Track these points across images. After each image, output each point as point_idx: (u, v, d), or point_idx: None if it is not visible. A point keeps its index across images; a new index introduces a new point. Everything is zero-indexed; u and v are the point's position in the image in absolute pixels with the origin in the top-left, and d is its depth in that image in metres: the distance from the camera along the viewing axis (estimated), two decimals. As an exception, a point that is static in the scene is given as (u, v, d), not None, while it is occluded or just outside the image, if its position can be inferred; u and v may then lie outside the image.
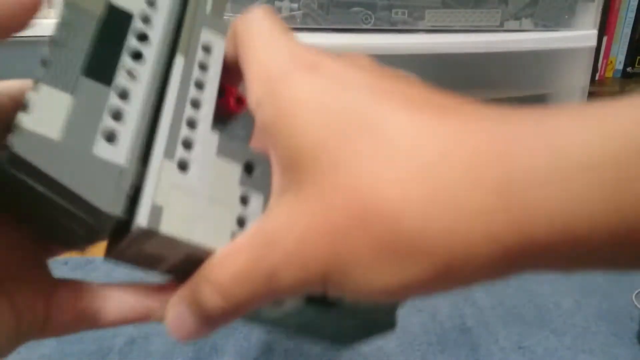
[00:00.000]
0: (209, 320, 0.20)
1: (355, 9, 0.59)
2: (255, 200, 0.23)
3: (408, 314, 0.49)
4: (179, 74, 0.23)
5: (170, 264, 0.21)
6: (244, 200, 0.22)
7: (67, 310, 0.22)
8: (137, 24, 0.23)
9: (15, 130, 0.19)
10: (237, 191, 0.22)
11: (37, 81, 0.21)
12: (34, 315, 0.21)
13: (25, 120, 0.19)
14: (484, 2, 0.60)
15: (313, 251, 0.17)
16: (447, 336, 0.47)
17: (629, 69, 0.94)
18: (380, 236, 0.16)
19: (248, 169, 0.23)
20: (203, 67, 0.24)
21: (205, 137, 0.23)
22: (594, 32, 0.62)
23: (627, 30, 0.92)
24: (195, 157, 0.22)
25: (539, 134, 0.16)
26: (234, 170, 0.23)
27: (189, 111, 0.23)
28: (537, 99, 0.67)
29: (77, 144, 0.20)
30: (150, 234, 0.20)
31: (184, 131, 0.22)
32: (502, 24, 0.61)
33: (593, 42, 0.63)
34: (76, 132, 0.20)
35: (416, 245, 0.16)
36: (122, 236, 0.20)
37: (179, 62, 0.24)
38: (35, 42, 0.62)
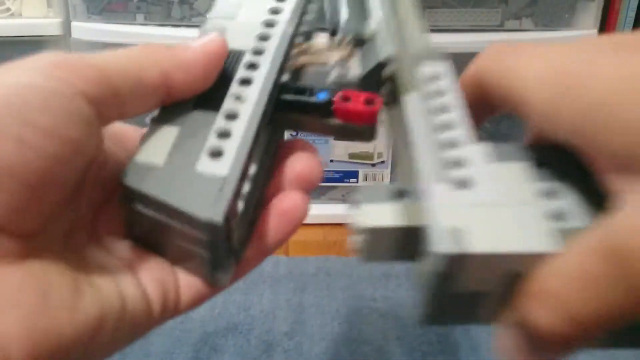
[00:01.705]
0: (550, 348, 0.16)
1: (355, 8, 0.59)
2: (566, 191, 0.20)
3: (409, 314, 0.49)
4: (415, 106, 0.22)
5: (494, 300, 0.18)
6: (552, 194, 0.20)
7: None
8: (247, 58, 0.24)
9: (126, 166, 0.21)
10: (537, 187, 0.20)
11: (151, 122, 0.23)
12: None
13: (135, 156, 0.21)
14: (484, 1, 0.60)
15: None
16: (447, 336, 0.47)
17: (629, 69, 0.94)
18: None
19: (540, 163, 0.21)
20: (439, 93, 0.23)
21: (474, 150, 0.21)
22: (594, 32, 0.62)
23: (628, 30, 0.92)
24: (473, 172, 0.20)
25: None
26: (523, 169, 0.20)
27: (443, 135, 0.21)
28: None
29: (179, 165, 0.21)
30: (459, 260, 0.17)
31: (447, 153, 0.21)
32: (502, 24, 0.61)
33: (593, 42, 0.62)
34: (179, 155, 0.21)
35: None
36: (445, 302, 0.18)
37: (410, 98, 0.23)
38: (37, 41, 0.62)
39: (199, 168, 0.21)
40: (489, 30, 0.61)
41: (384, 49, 0.26)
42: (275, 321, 0.47)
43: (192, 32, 0.59)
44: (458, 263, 0.17)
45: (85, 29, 0.59)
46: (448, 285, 0.18)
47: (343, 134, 0.24)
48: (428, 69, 0.24)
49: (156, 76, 0.20)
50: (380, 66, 0.25)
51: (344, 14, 0.28)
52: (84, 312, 0.18)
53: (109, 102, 0.19)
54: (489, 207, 0.19)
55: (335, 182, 0.66)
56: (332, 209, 0.65)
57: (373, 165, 0.65)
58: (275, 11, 0.26)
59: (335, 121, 0.24)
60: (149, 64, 0.20)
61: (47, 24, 0.60)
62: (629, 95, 0.15)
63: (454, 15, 0.60)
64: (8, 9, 0.60)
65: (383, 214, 0.20)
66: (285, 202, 0.22)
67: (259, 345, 0.44)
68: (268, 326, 0.46)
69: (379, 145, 0.64)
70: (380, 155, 0.65)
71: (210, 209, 0.20)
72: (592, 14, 0.62)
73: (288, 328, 0.46)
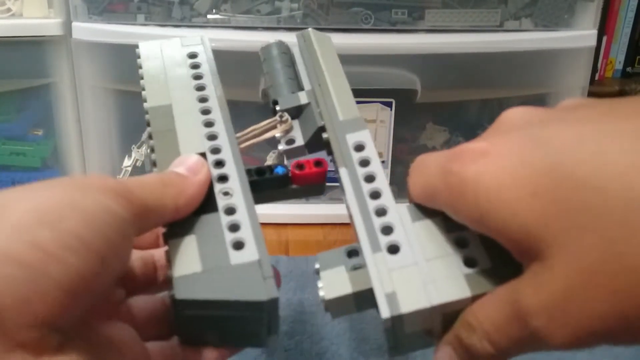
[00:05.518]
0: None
1: (355, 9, 0.59)
2: (471, 237, 0.24)
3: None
4: (348, 182, 0.26)
5: (441, 328, 0.23)
6: (462, 243, 0.24)
7: None
8: (211, 157, 0.28)
9: (171, 283, 0.23)
10: (451, 237, 0.24)
11: (165, 239, 0.25)
12: None
13: (172, 271, 0.24)
14: (484, 2, 0.60)
15: (588, 330, 0.18)
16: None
17: (628, 69, 0.94)
18: None
19: (447, 217, 0.24)
20: (364, 163, 0.27)
21: (398, 215, 0.25)
22: (593, 32, 0.62)
23: (627, 30, 0.92)
24: (399, 236, 0.24)
25: None
26: (438, 222, 0.24)
27: (372, 203, 0.25)
28: (537, 99, 0.67)
29: (217, 266, 0.24)
30: (398, 319, 0.22)
31: (377, 221, 0.25)
32: (501, 24, 0.62)
33: (593, 42, 0.63)
34: (211, 257, 0.24)
35: None
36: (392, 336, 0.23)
37: (343, 173, 0.27)
38: (37, 42, 0.62)
39: (233, 262, 0.24)
40: (488, 31, 0.61)
41: (316, 119, 0.29)
42: (275, 320, 0.47)
43: (192, 33, 0.59)
44: (398, 321, 0.22)
45: (86, 29, 0.59)
46: (399, 331, 0.22)
47: (301, 194, 0.29)
48: (352, 140, 0.28)
49: (171, 211, 0.25)
50: (320, 131, 0.29)
51: (283, 89, 0.32)
52: None
53: (142, 227, 0.24)
54: (413, 266, 0.23)
55: (336, 182, 0.66)
56: (332, 209, 0.65)
57: (373, 165, 0.66)
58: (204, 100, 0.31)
59: (293, 187, 0.29)
60: (167, 200, 0.25)
61: (48, 24, 0.60)
62: (513, 195, 0.20)
63: (454, 16, 0.60)
64: (9, 9, 0.60)
65: (339, 283, 0.24)
66: None
67: (259, 345, 0.45)
68: (268, 325, 0.46)
69: (379, 145, 0.64)
70: (380, 155, 0.65)
71: (264, 289, 0.23)
72: (591, 14, 0.62)
73: (288, 327, 0.46)
